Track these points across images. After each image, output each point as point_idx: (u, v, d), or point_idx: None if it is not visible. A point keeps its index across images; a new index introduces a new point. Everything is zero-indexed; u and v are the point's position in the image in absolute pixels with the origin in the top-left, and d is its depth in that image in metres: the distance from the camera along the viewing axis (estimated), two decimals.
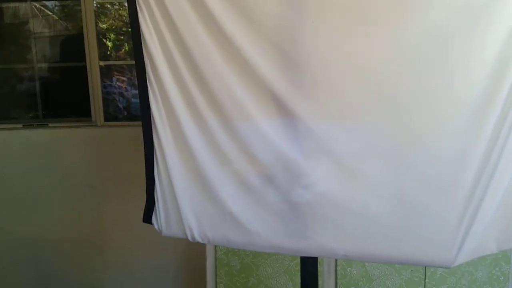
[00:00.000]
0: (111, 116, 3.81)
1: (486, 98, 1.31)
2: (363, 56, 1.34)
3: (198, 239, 1.56)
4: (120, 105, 3.95)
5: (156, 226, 1.62)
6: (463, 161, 1.35)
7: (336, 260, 2.50)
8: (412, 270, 2.49)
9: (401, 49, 1.31)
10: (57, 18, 3.82)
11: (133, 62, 3.87)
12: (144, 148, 1.57)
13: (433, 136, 1.35)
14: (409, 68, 1.32)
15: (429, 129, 1.35)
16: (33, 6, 3.76)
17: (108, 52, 3.85)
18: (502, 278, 2.45)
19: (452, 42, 1.29)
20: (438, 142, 1.35)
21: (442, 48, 1.29)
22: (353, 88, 1.36)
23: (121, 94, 3.99)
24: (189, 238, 1.56)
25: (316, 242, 1.48)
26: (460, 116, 1.33)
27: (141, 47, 1.48)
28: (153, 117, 1.51)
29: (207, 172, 1.50)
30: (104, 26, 3.84)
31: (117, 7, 3.92)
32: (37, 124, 3.70)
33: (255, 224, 1.51)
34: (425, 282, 2.49)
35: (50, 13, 3.83)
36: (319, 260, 1.75)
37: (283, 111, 1.41)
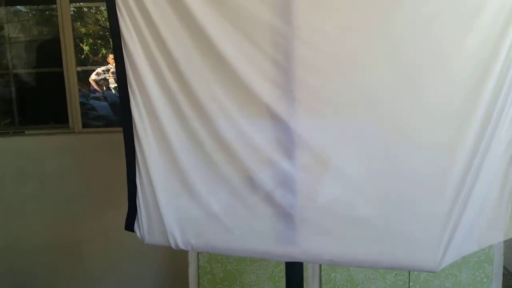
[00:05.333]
0: (89, 120, 3.76)
1: (473, 93, 1.31)
2: (347, 54, 1.33)
3: (182, 246, 1.52)
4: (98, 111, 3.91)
5: (138, 234, 1.58)
6: (451, 154, 1.34)
7: (320, 265, 2.48)
8: (396, 274, 2.48)
9: (384, 40, 1.31)
10: (32, 23, 3.75)
11: (110, 67, 3.85)
12: (126, 153, 1.53)
13: (420, 130, 1.34)
14: (393, 60, 1.31)
15: (416, 124, 1.34)
16: (8, 11, 3.69)
17: (82, 57, 3.79)
18: (486, 280, 2.47)
19: (437, 25, 1.29)
20: (425, 136, 1.34)
21: (427, 34, 1.29)
22: (338, 88, 1.35)
23: (98, 99, 3.94)
24: (172, 245, 1.53)
25: (302, 247, 1.46)
26: (448, 108, 1.33)
27: (121, 49, 1.45)
28: (134, 122, 1.47)
29: (191, 176, 1.47)
30: (82, 30, 3.78)
31: (93, 11, 3.87)
32: (13, 132, 3.63)
33: (240, 228, 1.48)
34: (409, 286, 2.49)
35: (26, 19, 3.76)
36: (303, 265, 1.72)
37: (266, 112, 1.39)
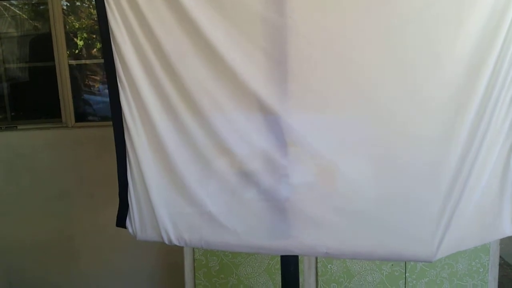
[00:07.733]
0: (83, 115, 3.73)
1: (469, 80, 1.30)
2: (341, 47, 1.32)
3: (175, 242, 1.51)
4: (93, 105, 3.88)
5: (130, 230, 1.56)
6: (446, 147, 1.34)
7: (316, 257, 2.48)
8: (392, 265, 2.48)
9: (379, 35, 1.30)
10: (24, 18, 3.72)
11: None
12: (116, 149, 1.51)
13: (413, 124, 1.33)
14: (390, 57, 1.30)
15: (409, 118, 1.33)
16: None
17: (76, 51, 3.76)
18: (482, 269, 2.47)
19: (431, 19, 1.28)
20: (420, 130, 1.33)
21: (421, 29, 1.28)
22: (331, 81, 1.34)
23: (93, 94, 3.91)
24: (165, 241, 1.52)
25: (297, 240, 1.45)
26: (442, 101, 1.32)
27: (110, 43, 1.43)
28: (124, 117, 1.46)
29: (184, 171, 1.46)
30: (76, 24, 3.75)
31: (86, 5, 3.84)
32: (6, 127, 3.60)
33: (234, 223, 1.47)
34: (405, 276, 2.49)
35: (18, 12, 3.73)
36: (299, 257, 1.72)
37: (259, 105, 1.38)
